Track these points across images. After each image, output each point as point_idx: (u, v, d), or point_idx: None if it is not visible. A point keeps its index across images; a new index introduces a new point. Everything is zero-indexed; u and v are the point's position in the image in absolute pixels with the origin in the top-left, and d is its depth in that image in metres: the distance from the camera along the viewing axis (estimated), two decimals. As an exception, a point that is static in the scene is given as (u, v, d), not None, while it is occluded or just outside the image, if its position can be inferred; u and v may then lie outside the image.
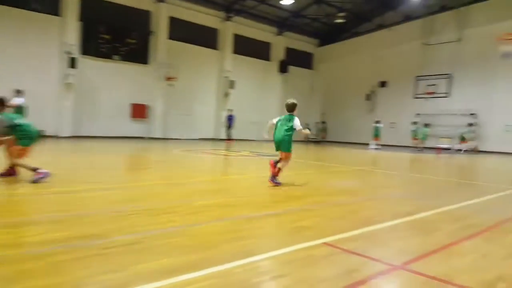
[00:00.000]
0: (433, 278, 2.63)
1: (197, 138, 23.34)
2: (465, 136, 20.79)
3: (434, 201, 5.53)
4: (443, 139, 23.56)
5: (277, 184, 6.11)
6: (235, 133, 24.12)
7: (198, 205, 4.42)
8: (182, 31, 22.82)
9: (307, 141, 28.56)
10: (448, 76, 22.45)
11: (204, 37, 24.05)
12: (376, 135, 22.30)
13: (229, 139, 19.93)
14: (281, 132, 6.29)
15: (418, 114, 25.45)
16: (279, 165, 6.30)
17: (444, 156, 17.64)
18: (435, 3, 23.68)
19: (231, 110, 20.57)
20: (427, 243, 3.45)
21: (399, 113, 26.39)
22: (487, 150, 22.05)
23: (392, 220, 4.23)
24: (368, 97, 28.45)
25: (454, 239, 3.59)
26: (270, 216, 4.17)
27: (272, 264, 2.77)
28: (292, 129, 6.22)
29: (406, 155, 16.98)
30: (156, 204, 4.33)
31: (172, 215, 3.86)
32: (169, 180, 6.23)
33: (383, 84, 27.98)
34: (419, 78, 23.97)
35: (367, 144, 23.49)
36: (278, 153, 6.47)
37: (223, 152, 13.60)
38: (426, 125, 21.95)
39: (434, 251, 3.21)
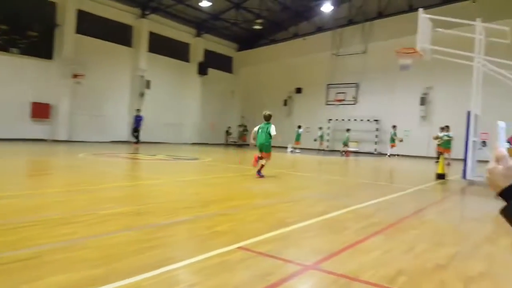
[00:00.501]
0: (342, 276, 2.73)
1: (109, 140, 21.96)
2: (392, 137, 22.31)
3: (344, 201, 5.88)
4: (352, 143, 25.45)
5: (261, 176, 8.28)
6: (149, 135, 23.27)
7: (105, 214, 4.17)
8: (92, 25, 21.35)
9: (227, 144, 28.71)
10: (355, 85, 24.33)
11: (117, 34, 22.78)
12: (297, 139, 22.91)
13: (136, 142, 18.54)
14: (262, 137, 8.65)
15: (330, 119, 27.25)
16: (262, 161, 8.57)
17: (352, 158, 18.98)
18: (343, 16, 25.56)
19: (138, 111, 19.13)
20: (336, 241, 3.60)
21: (313, 118, 27.85)
22: (389, 153, 24.34)
23: (305, 221, 4.37)
24: (286, 103, 29.60)
25: (360, 237, 3.80)
26: (183, 222, 4.04)
27: (184, 273, 2.65)
28: (270, 135, 8.52)
29: (320, 158, 17.93)
30: (57, 213, 4.05)
31: (75, 225, 3.62)
32: (73, 187, 5.89)
33: (299, 90, 29.33)
34: (330, 86, 25.59)
35: (286, 147, 24.33)
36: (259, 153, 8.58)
37: (137, 156, 13.00)
38: (347, 130, 23.47)
39: (343, 249, 3.36)
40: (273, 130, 8.65)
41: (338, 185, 8.01)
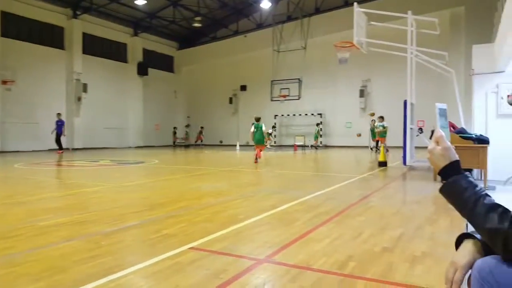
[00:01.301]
0: (294, 266, 2.78)
1: (46, 149, 20.63)
2: (316, 134, 23.42)
3: (293, 194, 6.01)
4: (298, 137, 26.13)
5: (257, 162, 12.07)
6: (90, 141, 22.27)
7: (44, 225, 3.96)
8: (19, 28, 19.88)
9: (174, 145, 28.18)
10: (298, 80, 24.94)
11: (48, 36, 21.49)
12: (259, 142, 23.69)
13: (60, 149, 17.12)
14: (259, 135, 12.40)
15: (276, 115, 27.73)
16: (261, 153, 12.58)
17: (300, 152, 19.50)
18: (282, 13, 26.04)
19: (59, 115, 17.64)
20: (287, 233, 3.66)
21: (259, 115, 28.23)
22: (333, 145, 25.32)
23: (256, 216, 4.40)
24: (231, 100, 29.66)
25: (310, 227, 3.90)
26: (130, 228, 3.91)
27: (134, 279, 2.55)
28: (262, 132, 12.31)
29: (270, 154, 18.22)
30: (-9, 228, 3.79)
31: (14, 239, 3.45)
32: (8, 199, 5.68)
33: (243, 87, 29.52)
34: (274, 82, 25.99)
35: (235, 145, 24.45)
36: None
37: (75, 163, 12.37)
38: (317, 124, 24.01)
39: (294, 241, 3.42)
40: (264, 127, 12.70)
41: (288, 179, 8.23)
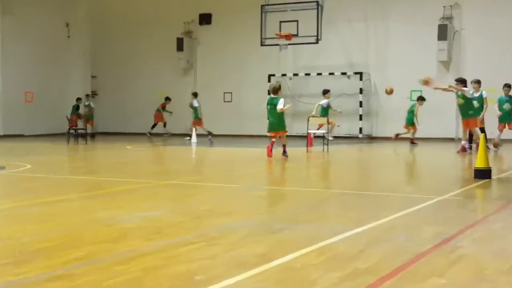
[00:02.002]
0: None
1: None
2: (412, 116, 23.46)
3: (305, 231, 5.99)
4: (314, 119, 26.18)
5: (287, 156, 15.28)
6: None
7: None
8: None
9: (68, 134, 27.95)
10: (315, 4, 24.88)
11: None
12: (196, 117, 25.10)
13: None
14: (272, 115, 15.30)
15: (272, 75, 27.71)
16: (283, 141, 15.53)
17: (317, 149, 19.65)
18: None
19: None
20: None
21: (244, 73, 28.74)
22: (383, 135, 25.56)
23: (231, 277, 4.34)
24: (180, 45, 29.50)
25: None
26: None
27: None
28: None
29: (257, 154, 18.23)
30: None
31: None
32: None
33: (205, 19, 29.47)
34: (267, 7, 25.87)
35: (187, 135, 24.52)
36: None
37: None
38: (420, 99, 23.73)
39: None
40: (280, 103, 14.98)
41: (295, 202, 8.40)
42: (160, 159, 18.41)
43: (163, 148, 22.26)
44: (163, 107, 29.34)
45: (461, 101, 17.30)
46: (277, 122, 15.09)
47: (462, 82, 17.53)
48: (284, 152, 15.40)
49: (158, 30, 30.03)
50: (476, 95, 17.50)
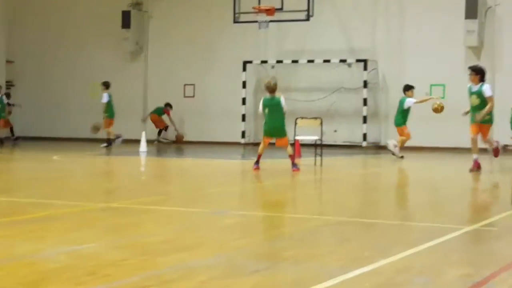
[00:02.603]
0: None
1: None
2: None
3: (290, 272, 5.91)
4: (303, 121, 26.29)
5: (298, 169, 16.25)
6: None
7: None
8: None
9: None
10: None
11: None
12: (109, 115, 25.74)
13: None
14: (274, 118, 16.34)
15: (248, 62, 27.74)
16: (288, 151, 16.44)
17: (307, 163, 19.72)
18: None
19: None
20: None
21: (212, 61, 28.81)
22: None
23: None
24: (126, 21, 29.38)
25: None
26: None
27: None
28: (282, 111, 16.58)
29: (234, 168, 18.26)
30: None
31: None
32: None
33: (160, -14, 29.35)
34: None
35: (111, 139, 25.07)
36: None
37: None
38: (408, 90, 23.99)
39: None
40: (283, 101, 16.52)
41: (273, 231, 8.36)
42: (98, 173, 18.29)
43: (103, 158, 22.12)
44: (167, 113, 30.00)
45: (476, 100, 17.19)
46: (279, 126, 16.25)
47: (478, 72, 17.36)
48: (294, 164, 16.27)
49: (95, 1, 29.90)
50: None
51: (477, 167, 16.78)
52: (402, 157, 21.48)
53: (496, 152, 17.50)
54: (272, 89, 16.40)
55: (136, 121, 29.08)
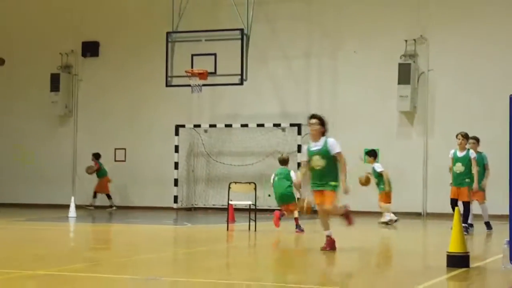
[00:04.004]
0: None
1: None
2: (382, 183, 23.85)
3: None
4: (237, 186, 26.29)
5: (302, 230, 18.36)
6: None
7: None
8: None
9: None
10: (239, 34, 25.10)
11: None
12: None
13: None
14: (281, 186, 18.56)
15: (180, 126, 27.68)
16: (295, 214, 18.37)
17: (242, 228, 19.73)
18: None
19: None
20: None
21: (145, 121, 28.85)
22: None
23: None
24: (55, 83, 29.18)
25: None
26: None
27: None
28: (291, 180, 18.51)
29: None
30: None
31: None
32: None
33: (90, 48, 29.46)
34: (176, 36, 26.00)
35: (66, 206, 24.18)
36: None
37: None
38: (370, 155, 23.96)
39: None
40: (294, 174, 18.28)
41: None
42: (26, 239, 18.04)
43: (31, 225, 21.79)
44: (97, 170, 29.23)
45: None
46: (288, 194, 18.39)
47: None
48: (298, 225, 18.31)
49: (23, 62, 29.71)
50: (461, 154, 17.62)
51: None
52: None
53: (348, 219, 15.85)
54: (282, 162, 19.06)
55: (65, 187, 28.77)
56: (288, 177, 18.14)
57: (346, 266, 12.35)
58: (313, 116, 14.31)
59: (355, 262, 12.92)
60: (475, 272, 10.70)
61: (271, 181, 18.66)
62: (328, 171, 13.89)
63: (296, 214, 18.10)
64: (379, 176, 21.55)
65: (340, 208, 14.62)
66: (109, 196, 28.52)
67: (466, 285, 9.72)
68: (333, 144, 14.02)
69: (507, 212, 10.39)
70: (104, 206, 28.15)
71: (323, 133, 14.25)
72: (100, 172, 28.51)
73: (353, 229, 20.39)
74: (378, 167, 21.61)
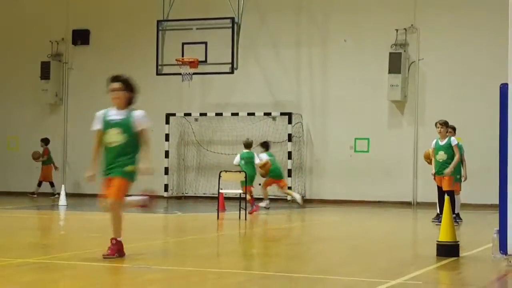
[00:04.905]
0: None
1: None
2: None
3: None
4: (228, 174, 26.28)
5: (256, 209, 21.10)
6: None
7: None
8: None
9: None
10: (230, 23, 25.03)
11: None
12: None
13: None
14: (249, 169, 20.56)
15: (171, 114, 27.64)
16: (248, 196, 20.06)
17: (234, 213, 19.72)
18: None
19: None
20: None
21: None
22: (325, 197, 25.87)
23: None
24: (45, 71, 29.08)
25: None
26: None
27: None
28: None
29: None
30: None
31: None
32: None
33: (81, 36, 29.44)
34: (167, 25, 25.89)
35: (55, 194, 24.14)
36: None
37: None
38: (264, 146, 24.01)
39: None
40: (257, 159, 20.65)
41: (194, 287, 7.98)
42: (15, 227, 17.99)
43: (20, 212, 21.73)
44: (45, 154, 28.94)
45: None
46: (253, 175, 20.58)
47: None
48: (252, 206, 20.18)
49: (14, 50, 29.65)
50: (442, 143, 17.61)
51: None
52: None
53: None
54: (247, 144, 20.93)
55: (56, 175, 28.67)
56: (253, 160, 20.30)
57: (336, 255, 12.37)
58: (115, 79, 11.18)
59: (345, 251, 12.90)
60: (465, 261, 10.74)
61: (236, 162, 20.43)
62: (124, 151, 10.67)
63: (249, 196, 19.59)
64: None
65: (136, 200, 12.23)
66: (52, 184, 28.40)
67: (456, 274, 9.74)
68: (141, 117, 11.02)
69: (497, 201, 10.38)
70: (47, 193, 28.24)
71: (129, 101, 11.03)
72: (48, 160, 28.43)
73: (343, 218, 20.49)
74: (262, 158, 22.06)
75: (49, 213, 21.24)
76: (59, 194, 25.61)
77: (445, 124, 17.64)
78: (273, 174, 22.64)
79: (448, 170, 17.13)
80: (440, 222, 15.56)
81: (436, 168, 17.86)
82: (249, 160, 20.33)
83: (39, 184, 28.32)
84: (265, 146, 23.37)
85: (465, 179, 18.20)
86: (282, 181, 23.81)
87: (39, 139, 28.98)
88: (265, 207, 22.62)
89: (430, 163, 18.97)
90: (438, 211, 17.26)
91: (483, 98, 23.60)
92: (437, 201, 17.96)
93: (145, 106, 28.43)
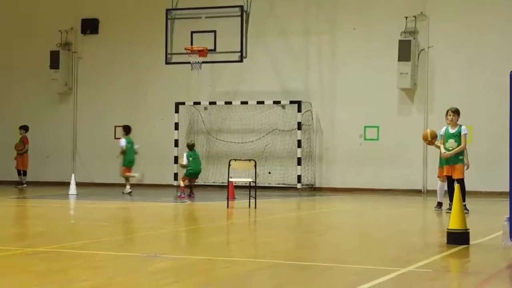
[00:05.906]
0: None
1: None
2: None
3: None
4: (238, 163, 26.23)
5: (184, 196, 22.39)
6: None
7: None
8: None
9: None
10: (239, 11, 24.96)
11: None
12: (129, 162, 24.65)
13: None
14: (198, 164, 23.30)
15: (180, 103, 27.57)
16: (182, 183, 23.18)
17: (241, 206, 19.63)
18: None
19: None
20: None
21: (144, 101, 28.86)
22: (334, 185, 25.84)
23: None
24: (55, 61, 29.04)
25: None
26: None
27: None
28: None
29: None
30: None
31: None
32: None
33: (90, 25, 29.35)
34: (175, 13, 25.81)
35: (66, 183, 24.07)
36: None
37: None
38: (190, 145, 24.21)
39: None
40: (185, 158, 22.38)
41: (202, 276, 8.22)
42: (25, 217, 17.98)
43: (30, 202, 21.75)
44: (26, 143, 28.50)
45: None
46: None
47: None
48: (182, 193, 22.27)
49: (23, 40, 29.65)
50: (453, 131, 17.51)
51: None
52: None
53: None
54: (190, 147, 22.56)
55: (66, 164, 28.72)
56: (199, 157, 22.95)
57: (346, 243, 12.37)
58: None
59: (354, 239, 12.89)
60: (475, 249, 10.70)
61: (185, 161, 22.05)
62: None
63: (183, 183, 22.41)
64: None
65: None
66: (25, 173, 28.19)
67: (466, 262, 9.71)
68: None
69: (507, 189, 10.35)
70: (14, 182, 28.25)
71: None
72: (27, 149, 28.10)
73: (353, 206, 20.43)
74: (122, 142, 24.06)
75: (59, 203, 21.24)
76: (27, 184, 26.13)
77: (456, 112, 17.53)
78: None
79: (450, 153, 17.11)
80: (441, 209, 15.75)
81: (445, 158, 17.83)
82: (197, 157, 22.63)
83: (20, 173, 28.09)
84: (126, 129, 24.49)
85: (468, 167, 18.09)
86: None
87: (49, 129, 29.02)
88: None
89: (429, 143, 19.06)
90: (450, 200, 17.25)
91: (492, 85, 23.56)
92: (446, 189, 17.90)
93: (155, 95, 28.84)
